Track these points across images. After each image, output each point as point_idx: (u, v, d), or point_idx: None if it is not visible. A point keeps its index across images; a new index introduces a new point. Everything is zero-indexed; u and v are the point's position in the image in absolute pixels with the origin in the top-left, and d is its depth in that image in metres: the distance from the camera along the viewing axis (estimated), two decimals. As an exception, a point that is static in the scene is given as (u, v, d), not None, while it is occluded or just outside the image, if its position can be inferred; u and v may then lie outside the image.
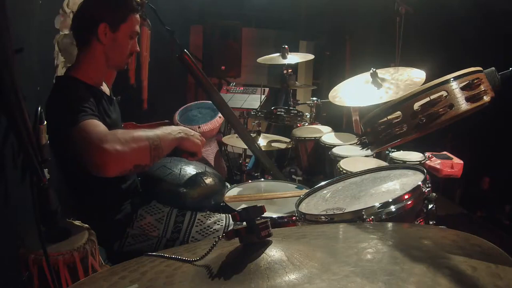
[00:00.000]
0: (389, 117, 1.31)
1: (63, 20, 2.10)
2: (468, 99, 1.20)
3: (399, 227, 1.00)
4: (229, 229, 1.64)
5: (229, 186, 2.10)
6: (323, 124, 3.13)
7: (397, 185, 1.42)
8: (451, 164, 2.23)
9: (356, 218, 1.23)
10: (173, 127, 1.53)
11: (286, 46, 2.96)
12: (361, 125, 1.44)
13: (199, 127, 2.81)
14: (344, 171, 2.00)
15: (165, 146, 1.40)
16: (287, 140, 2.91)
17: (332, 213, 1.33)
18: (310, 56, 3.19)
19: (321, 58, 4.73)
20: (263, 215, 0.77)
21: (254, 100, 3.16)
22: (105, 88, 1.68)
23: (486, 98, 1.22)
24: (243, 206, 1.84)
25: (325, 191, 1.60)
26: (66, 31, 2.14)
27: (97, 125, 1.31)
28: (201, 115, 2.94)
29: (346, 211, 1.31)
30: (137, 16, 1.58)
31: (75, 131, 1.28)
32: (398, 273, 0.66)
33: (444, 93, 1.21)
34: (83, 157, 1.27)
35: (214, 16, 4.54)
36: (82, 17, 1.54)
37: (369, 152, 2.09)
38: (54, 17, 2.07)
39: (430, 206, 1.31)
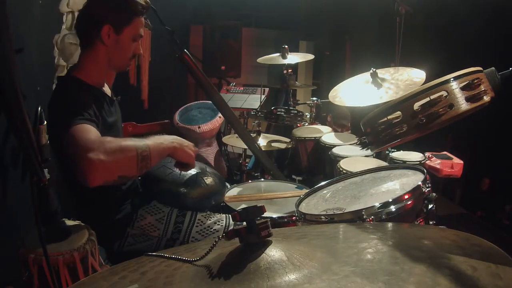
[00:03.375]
0: (389, 117, 1.31)
1: (64, 20, 2.10)
2: (468, 99, 1.20)
3: (399, 227, 1.00)
4: (229, 229, 1.64)
5: (229, 186, 2.10)
6: (323, 124, 3.13)
7: (397, 185, 1.42)
8: (451, 164, 2.23)
9: (356, 218, 1.23)
10: (166, 136, 1.48)
11: (286, 46, 2.96)
12: (361, 125, 1.44)
13: (199, 127, 2.81)
14: (344, 171, 2.00)
15: (155, 156, 1.35)
16: (287, 140, 2.91)
17: (332, 213, 1.33)
18: (310, 56, 3.19)
19: (321, 58, 4.73)
20: (263, 215, 0.77)
21: (254, 100, 3.16)
22: (106, 89, 1.68)
23: (486, 98, 1.22)
24: (243, 206, 1.84)
25: (325, 191, 1.60)
26: (66, 31, 2.15)
27: (88, 131, 1.27)
28: (201, 115, 2.94)
29: (346, 211, 1.31)
30: (142, 19, 1.57)
31: (67, 135, 1.25)
32: (398, 273, 0.66)
33: (444, 93, 1.22)
34: (70, 162, 1.25)
35: (214, 16, 4.54)
36: (87, 18, 1.54)
37: (369, 152, 2.09)
38: (54, 17, 2.07)
39: (430, 206, 1.31)
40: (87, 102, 1.42)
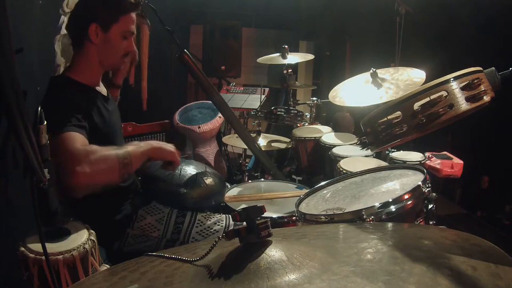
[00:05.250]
0: (389, 117, 1.31)
1: (63, 20, 2.10)
2: (468, 99, 1.20)
3: (399, 227, 1.00)
4: (229, 229, 1.63)
5: (229, 186, 2.10)
6: (323, 124, 3.13)
7: (397, 185, 1.42)
8: (451, 164, 2.23)
9: (356, 218, 1.23)
10: (142, 142, 1.50)
11: (286, 46, 2.96)
12: (361, 125, 1.44)
13: (199, 127, 2.81)
14: (344, 171, 2.00)
15: (136, 162, 1.40)
16: (287, 140, 2.91)
17: (332, 213, 1.33)
18: (310, 56, 3.19)
19: (321, 58, 4.72)
20: (263, 215, 0.77)
21: (254, 100, 3.16)
22: (101, 88, 1.68)
23: (486, 98, 1.22)
24: (243, 206, 1.84)
25: (325, 191, 1.60)
26: (65, 31, 2.14)
27: (75, 140, 1.32)
28: (201, 115, 2.95)
29: (346, 211, 1.31)
30: (132, 15, 1.55)
31: (56, 140, 1.28)
32: (398, 273, 0.66)
33: (444, 93, 1.22)
34: (58, 170, 1.28)
35: (214, 16, 4.54)
36: (75, 17, 1.55)
37: (369, 152, 2.09)
38: (54, 17, 2.07)
39: (430, 206, 1.31)
40: (77, 104, 1.44)
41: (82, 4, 1.53)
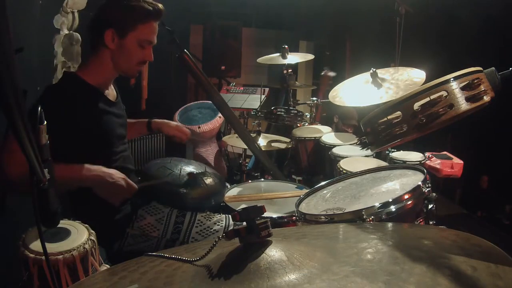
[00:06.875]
0: (389, 117, 1.31)
1: (63, 20, 2.10)
2: (468, 99, 1.20)
3: (399, 227, 1.00)
4: (229, 229, 1.63)
5: (229, 186, 2.10)
6: (323, 124, 3.13)
7: (397, 185, 1.42)
8: (451, 164, 2.23)
9: (356, 218, 1.23)
10: (97, 168, 1.44)
11: (286, 46, 2.96)
12: (361, 125, 1.44)
13: (199, 127, 2.81)
14: (344, 171, 2.00)
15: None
16: (287, 140, 2.91)
17: (332, 213, 1.33)
18: (310, 56, 3.19)
19: (321, 58, 4.72)
20: (263, 215, 0.77)
21: (254, 100, 3.16)
22: (111, 91, 1.68)
23: (486, 98, 1.22)
24: (243, 206, 1.84)
25: (325, 191, 1.60)
26: (66, 31, 2.15)
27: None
28: (201, 115, 2.94)
29: (346, 211, 1.31)
30: (152, 25, 1.55)
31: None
32: (398, 273, 0.66)
33: (444, 93, 1.22)
34: None
35: (214, 16, 4.55)
36: (93, 20, 1.55)
37: (369, 152, 2.09)
38: (54, 17, 2.07)
39: (430, 206, 1.31)
40: (69, 109, 1.44)
41: (101, 8, 1.54)
